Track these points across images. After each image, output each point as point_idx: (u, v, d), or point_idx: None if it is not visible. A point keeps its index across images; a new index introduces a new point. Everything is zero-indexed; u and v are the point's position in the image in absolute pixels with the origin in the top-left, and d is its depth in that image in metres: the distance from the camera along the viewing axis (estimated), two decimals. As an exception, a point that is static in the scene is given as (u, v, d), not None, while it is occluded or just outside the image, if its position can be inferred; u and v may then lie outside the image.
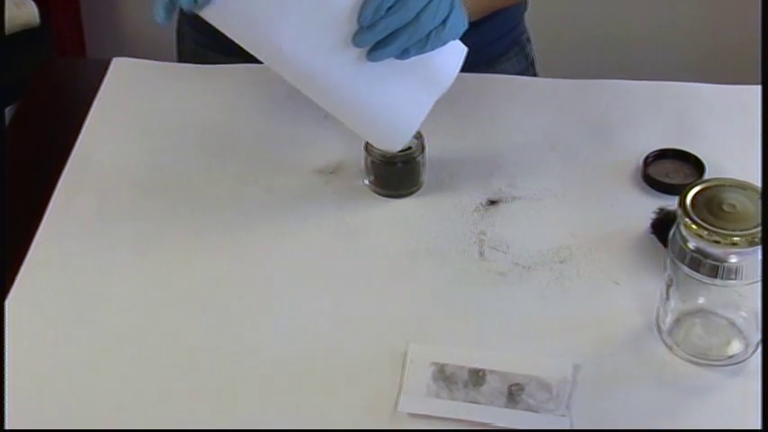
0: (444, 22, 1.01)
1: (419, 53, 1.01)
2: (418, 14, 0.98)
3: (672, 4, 2.32)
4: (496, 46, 1.35)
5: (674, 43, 2.33)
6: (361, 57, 1.00)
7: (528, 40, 1.42)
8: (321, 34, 0.98)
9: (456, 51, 1.06)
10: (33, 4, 1.99)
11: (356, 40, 0.98)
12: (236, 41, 0.99)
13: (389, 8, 0.97)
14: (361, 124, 1.06)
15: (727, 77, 1.27)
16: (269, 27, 0.97)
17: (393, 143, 1.08)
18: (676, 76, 1.27)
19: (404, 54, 1.00)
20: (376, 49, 0.99)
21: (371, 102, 1.03)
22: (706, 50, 2.32)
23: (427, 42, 1.01)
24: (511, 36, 1.38)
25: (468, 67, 1.07)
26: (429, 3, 0.98)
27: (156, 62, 1.30)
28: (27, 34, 2.01)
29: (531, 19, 1.41)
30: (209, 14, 0.97)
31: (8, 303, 1.01)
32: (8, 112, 1.61)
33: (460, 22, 1.03)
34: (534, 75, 1.41)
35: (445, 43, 1.03)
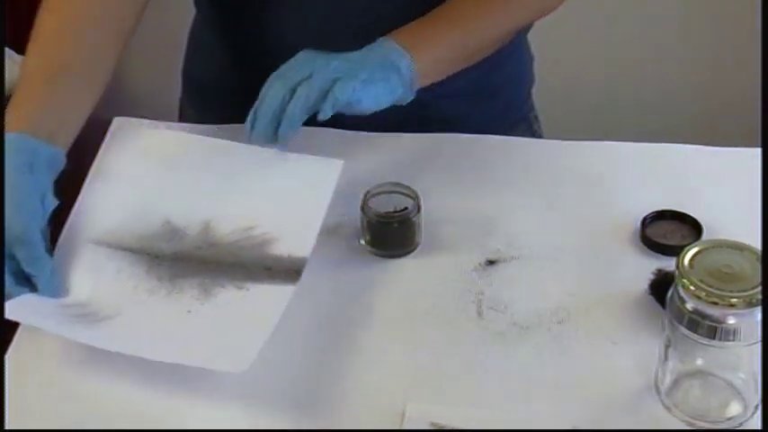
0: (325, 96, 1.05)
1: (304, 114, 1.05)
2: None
3: (672, 67, 2.34)
4: (500, 123, 1.31)
5: (673, 106, 2.35)
6: None
7: (536, 117, 1.41)
8: None
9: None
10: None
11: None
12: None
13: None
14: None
15: (724, 141, 1.27)
16: None
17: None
18: (674, 138, 1.28)
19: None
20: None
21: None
22: (704, 114, 2.34)
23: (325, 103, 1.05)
24: (518, 114, 1.38)
25: None
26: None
27: (157, 122, 1.30)
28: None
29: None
30: None
31: None
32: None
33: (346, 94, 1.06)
34: None
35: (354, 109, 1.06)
